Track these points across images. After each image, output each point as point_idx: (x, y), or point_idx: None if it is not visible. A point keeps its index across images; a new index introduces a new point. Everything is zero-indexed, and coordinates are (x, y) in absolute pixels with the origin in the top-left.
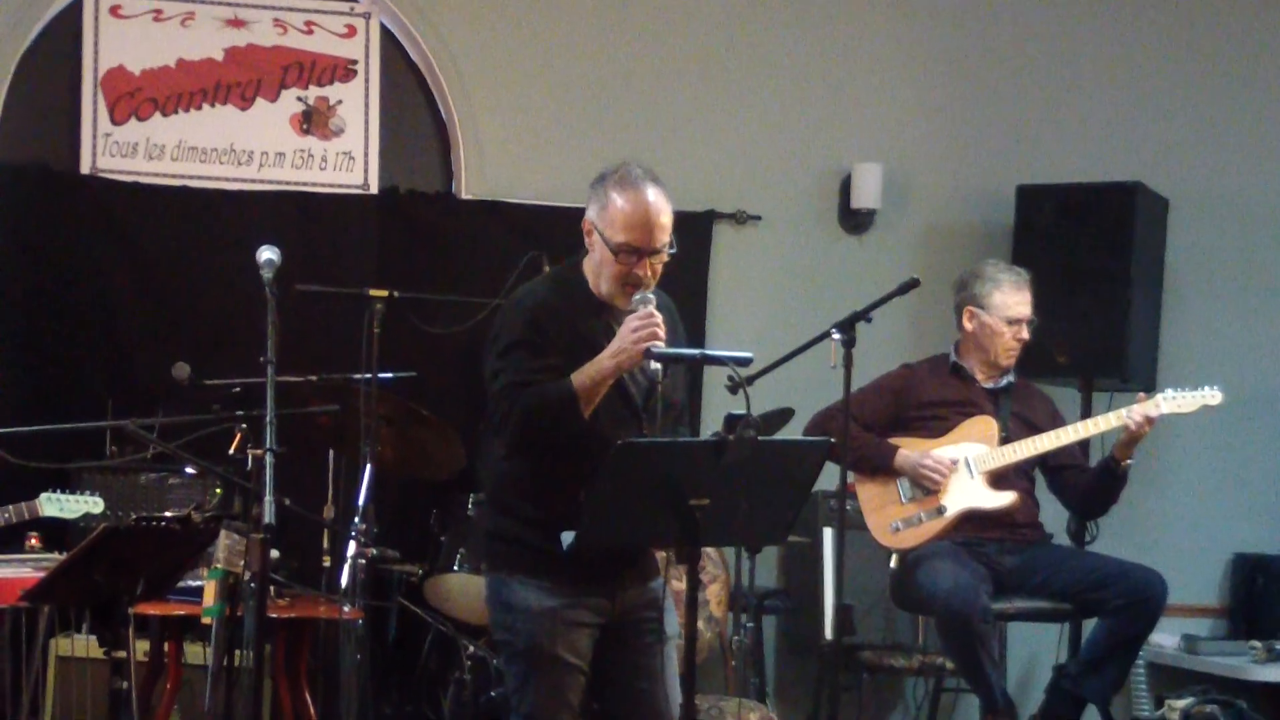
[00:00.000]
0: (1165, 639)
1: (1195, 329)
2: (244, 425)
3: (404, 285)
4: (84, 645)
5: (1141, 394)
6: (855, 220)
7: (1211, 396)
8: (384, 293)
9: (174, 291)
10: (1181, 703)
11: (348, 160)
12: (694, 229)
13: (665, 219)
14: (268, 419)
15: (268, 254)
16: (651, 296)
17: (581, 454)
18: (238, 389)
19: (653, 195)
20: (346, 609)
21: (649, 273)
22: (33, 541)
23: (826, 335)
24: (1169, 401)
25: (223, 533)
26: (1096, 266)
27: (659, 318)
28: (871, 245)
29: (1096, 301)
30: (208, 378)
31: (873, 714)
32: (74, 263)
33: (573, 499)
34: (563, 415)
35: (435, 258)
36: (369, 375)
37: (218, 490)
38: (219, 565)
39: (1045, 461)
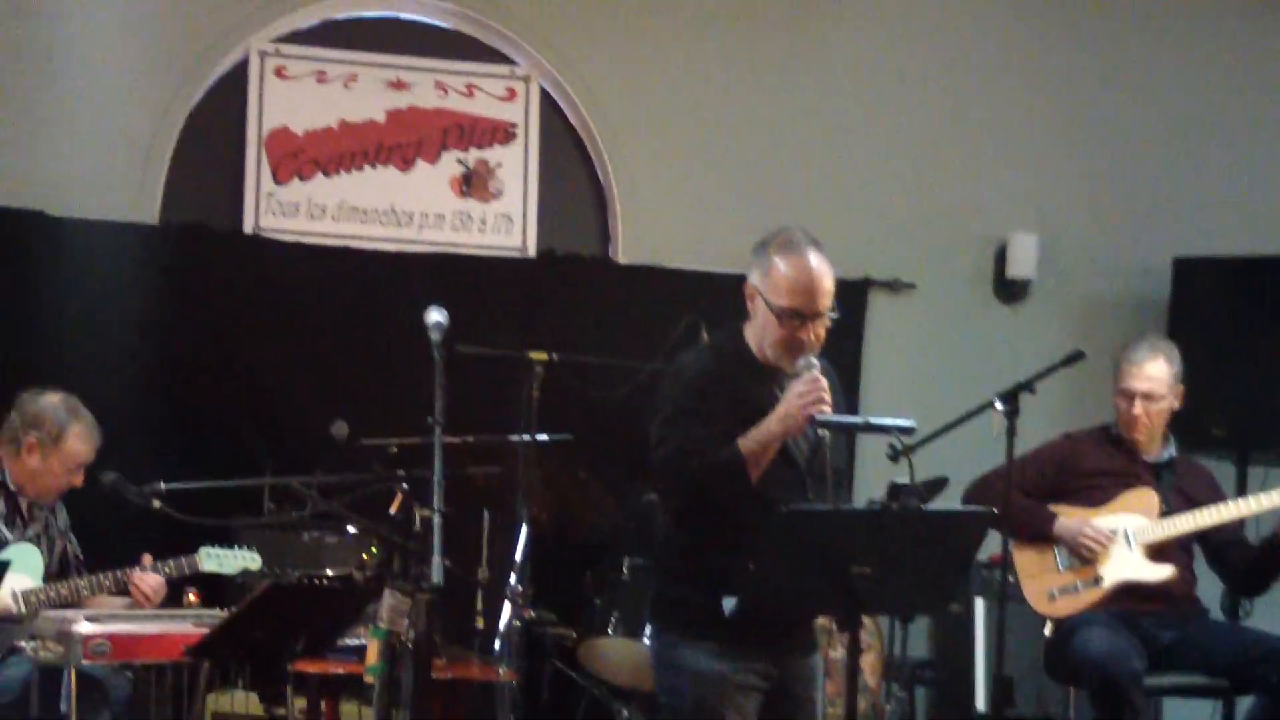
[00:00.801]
0: None
1: None
2: (405, 485)
3: (560, 348)
4: (242, 701)
5: None
6: (1010, 290)
7: None
8: (543, 355)
9: (333, 351)
10: None
11: (506, 223)
12: (849, 296)
13: (828, 283)
14: (435, 480)
15: (436, 316)
16: (815, 361)
17: (747, 519)
18: (395, 449)
19: (815, 260)
20: (502, 671)
21: (812, 337)
22: (191, 598)
23: (990, 405)
24: None
25: (386, 592)
26: (1254, 340)
27: (824, 382)
28: (1026, 315)
29: (1254, 376)
30: (366, 437)
31: None
32: (235, 321)
33: (737, 562)
34: (731, 481)
35: (591, 321)
36: (527, 437)
37: (373, 549)
38: (382, 625)
39: (1205, 537)
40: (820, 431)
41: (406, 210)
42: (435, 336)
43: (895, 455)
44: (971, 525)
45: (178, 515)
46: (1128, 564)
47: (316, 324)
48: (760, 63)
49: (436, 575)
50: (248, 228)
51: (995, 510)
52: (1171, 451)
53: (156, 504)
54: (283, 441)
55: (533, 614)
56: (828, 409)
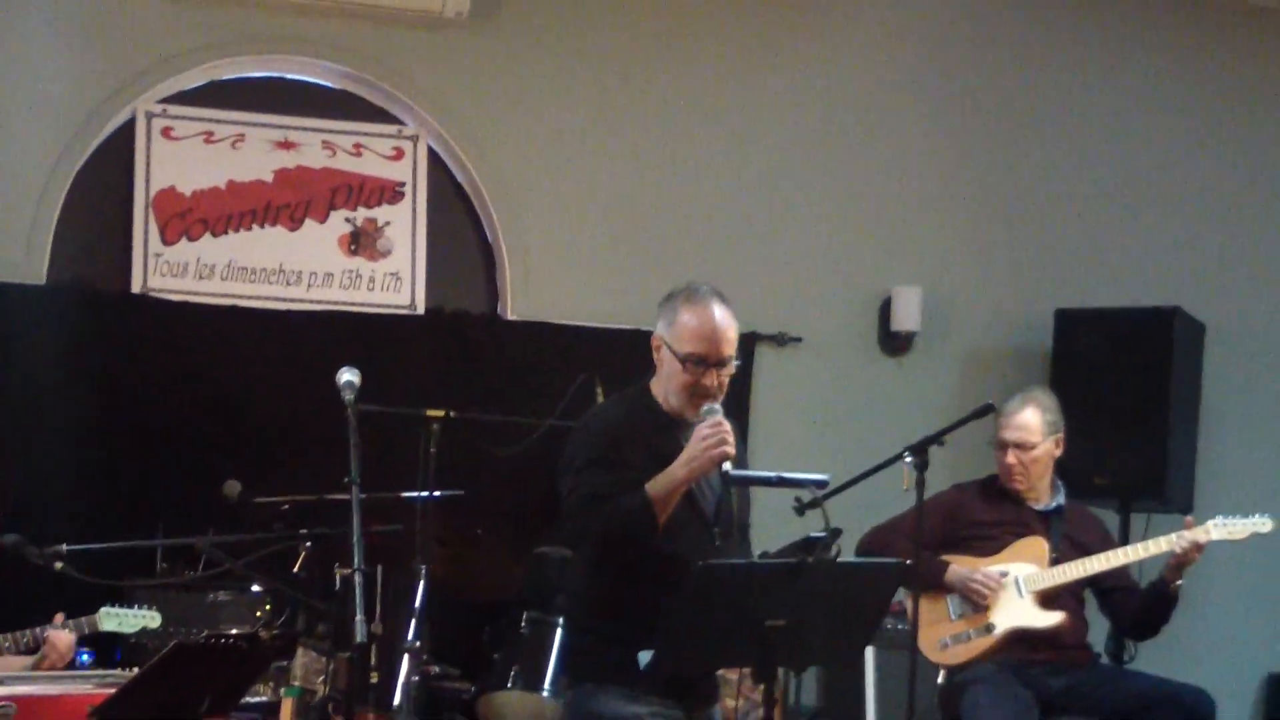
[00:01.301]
0: None
1: (1230, 452)
2: (308, 543)
3: (451, 404)
4: None
5: (1189, 519)
6: (895, 343)
7: (1261, 524)
8: (440, 413)
9: (223, 410)
10: None
11: (395, 281)
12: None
13: (731, 333)
14: (355, 538)
15: (348, 375)
16: (718, 408)
17: (657, 569)
18: (286, 506)
19: (718, 309)
20: None
21: (716, 384)
22: (57, 619)
23: (899, 458)
24: (1219, 529)
25: (300, 650)
26: (1135, 390)
27: (728, 426)
28: (911, 367)
29: (1135, 425)
30: (256, 496)
31: None
32: (123, 382)
33: (650, 615)
34: (639, 524)
35: (481, 378)
36: (424, 494)
37: (266, 607)
38: (296, 683)
39: (1096, 583)
40: (726, 468)
41: (295, 269)
42: (349, 396)
43: (801, 509)
44: (885, 576)
45: (80, 577)
46: (1019, 611)
47: (206, 384)
48: (647, 121)
49: (360, 634)
50: (136, 287)
51: (907, 561)
52: (1060, 500)
53: (59, 565)
54: (175, 501)
55: (436, 669)
56: (731, 450)
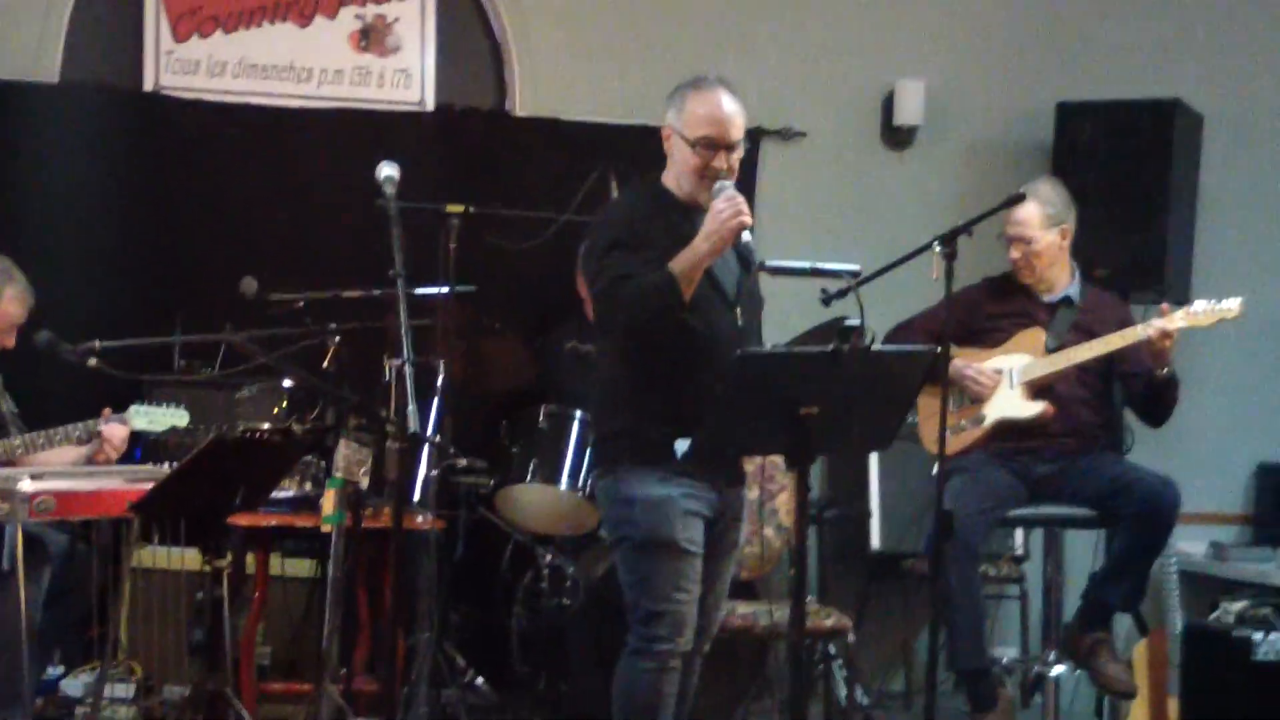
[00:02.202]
0: (1193, 546)
1: (1228, 243)
2: (337, 338)
3: (461, 200)
4: (164, 557)
5: (1165, 306)
6: (898, 137)
7: (1228, 310)
8: (460, 208)
9: (237, 207)
10: (1236, 605)
11: (404, 77)
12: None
13: (739, 118)
14: (403, 330)
15: (387, 170)
16: (730, 183)
17: (685, 346)
18: (302, 303)
19: (725, 95)
20: (421, 519)
21: (726, 165)
22: (105, 414)
23: (929, 247)
24: (1186, 316)
25: (342, 443)
26: (1134, 182)
27: (741, 198)
28: (913, 161)
29: (1134, 217)
30: (272, 293)
31: (919, 619)
32: (138, 179)
33: (680, 393)
34: (666, 298)
35: (490, 173)
36: (443, 289)
37: (284, 403)
38: (339, 474)
39: (1114, 370)
40: (745, 239)
41: (306, 66)
42: (389, 190)
43: (827, 300)
44: (917, 363)
45: (115, 373)
46: (1006, 402)
47: (219, 181)
48: None
49: (413, 422)
50: (148, 85)
51: (938, 349)
52: (1071, 290)
53: (93, 362)
54: (191, 297)
55: (464, 462)
56: (748, 219)
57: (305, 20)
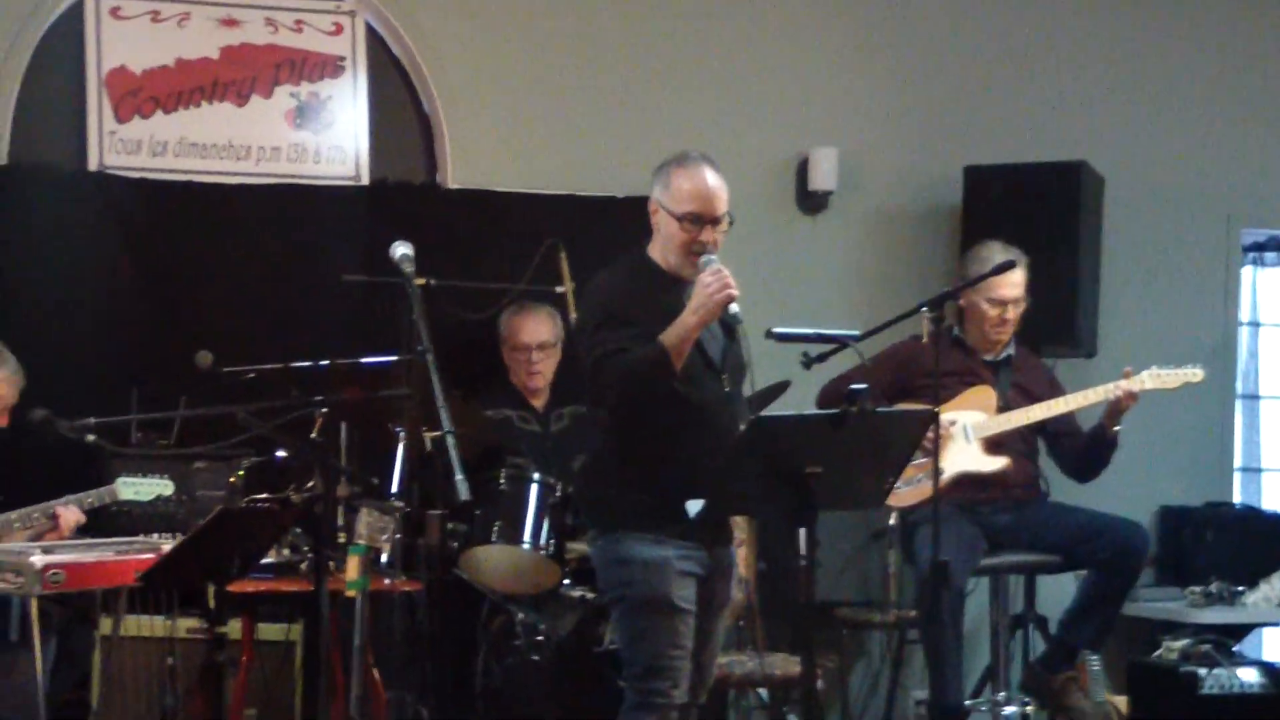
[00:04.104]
0: None
1: (1131, 297)
2: (323, 410)
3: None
4: (133, 624)
5: (1128, 369)
6: (812, 202)
7: (1193, 374)
8: (422, 280)
9: (183, 282)
10: (1179, 643)
11: (339, 153)
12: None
13: (723, 193)
14: (440, 402)
15: (402, 249)
16: (715, 257)
17: (675, 415)
18: (252, 375)
19: (709, 172)
20: (388, 581)
21: (711, 240)
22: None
23: (918, 311)
24: (1153, 378)
25: (364, 510)
26: (1042, 242)
27: (727, 272)
28: (827, 225)
29: (1043, 275)
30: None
31: (850, 666)
32: (87, 256)
33: (673, 459)
34: (657, 371)
35: (423, 246)
36: (409, 357)
37: (240, 472)
38: (361, 541)
39: (1043, 428)
40: (733, 310)
41: (244, 144)
42: (408, 269)
43: (808, 363)
44: (916, 423)
45: (111, 448)
46: (965, 456)
47: (164, 257)
48: None
49: (463, 492)
50: (92, 165)
51: (936, 410)
52: (1010, 351)
53: (90, 437)
54: (146, 374)
55: (451, 526)
56: (734, 292)
57: (242, 100)
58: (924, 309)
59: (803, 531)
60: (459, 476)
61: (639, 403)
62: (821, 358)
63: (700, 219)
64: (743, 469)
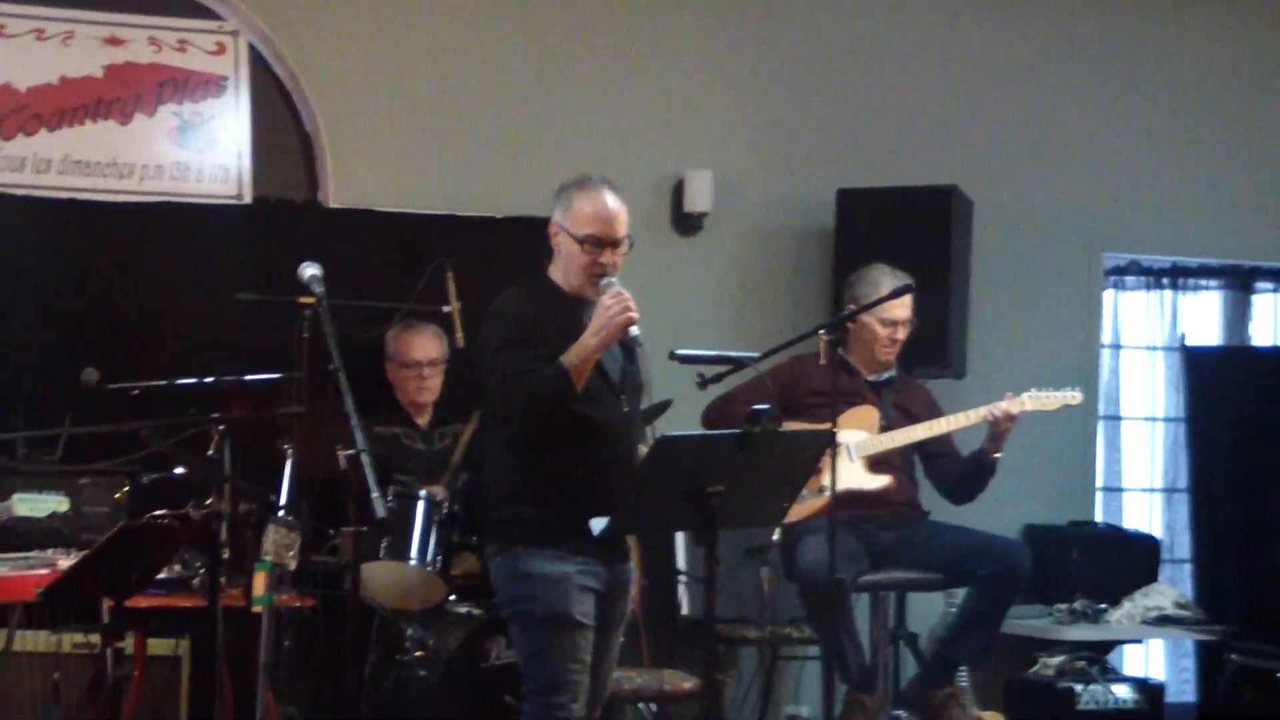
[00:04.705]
0: None
1: (999, 319)
2: (220, 426)
3: (272, 291)
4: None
5: (1009, 393)
6: (688, 223)
7: (1072, 397)
8: (311, 300)
9: (67, 299)
10: (1055, 660)
11: (222, 171)
12: (541, 233)
13: (623, 215)
14: (353, 422)
15: (311, 270)
16: (616, 280)
17: (575, 434)
18: (136, 392)
19: (609, 195)
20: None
21: (612, 262)
22: None
23: (815, 333)
24: (1033, 400)
25: (271, 526)
26: (913, 264)
27: (628, 295)
28: (702, 246)
29: (915, 297)
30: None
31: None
32: None
33: (574, 477)
34: (559, 392)
35: (303, 263)
36: (298, 374)
37: (126, 489)
38: (268, 558)
39: (921, 449)
40: (634, 332)
41: (128, 162)
42: (319, 289)
43: (703, 383)
44: (816, 443)
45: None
46: (849, 474)
47: (49, 276)
48: (459, 10)
49: (380, 509)
50: None
51: (834, 429)
52: (892, 372)
53: None
54: (31, 391)
55: (336, 542)
56: (635, 315)
57: (126, 119)
58: (821, 331)
59: (704, 550)
60: (375, 494)
61: (543, 422)
62: (717, 378)
63: (601, 241)
64: (647, 487)
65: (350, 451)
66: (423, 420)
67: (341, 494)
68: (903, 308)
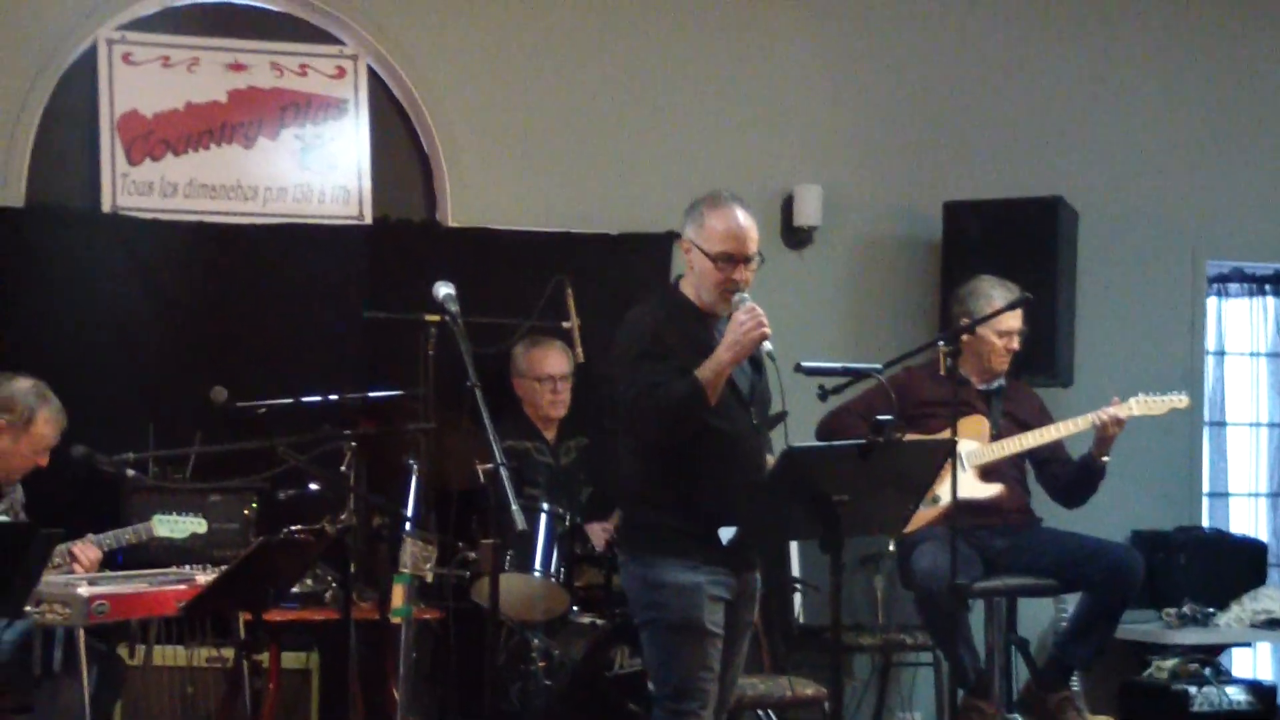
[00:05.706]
0: None
1: (1105, 328)
2: (353, 443)
3: (391, 309)
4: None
5: (1115, 398)
6: (798, 237)
7: (1179, 401)
8: (437, 317)
9: (195, 319)
10: (1168, 663)
11: (344, 193)
12: (655, 249)
13: (754, 232)
14: (491, 435)
15: (445, 289)
16: (748, 296)
17: (706, 446)
18: (264, 410)
19: (741, 212)
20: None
21: (744, 278)
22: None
23: (934, 344)
24: (1140, 405)
25: (408, 540)
26: (1019, 275)
27: (760, 310)
28: (812, 259)
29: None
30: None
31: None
32: (100, 297)
33: (705, 487)
34: (693, 404)
35: (425, 282)
36: (424, 390)
37: (254, 504)
38: (406, 570)
39: (1032, 455)
40: (767, 347)
41: (252, 185)
42: (453, 308)
43: (825, 395)
44: (935, 454)
45: (151, 481)
46: (962, 484)
47: (176, 296)
48: (573, 32)
49: (520, 522)
50: (106, 207)
51: (955, 440)
52: (1002, 381)
53: (131, 472)
54: (161, 410)
55: (473, 555)
56: (768, 330)
57: (250, 142)
58: (941, 342)
59: (830, 558)
60: (514, 506)
61: (675, 434)
62: (838, 390)
63: (733, 258)
64: (775, 498)
65: (489, 466)
66: (550, 434)
67: (474, 507)
68: (1016, 318)
